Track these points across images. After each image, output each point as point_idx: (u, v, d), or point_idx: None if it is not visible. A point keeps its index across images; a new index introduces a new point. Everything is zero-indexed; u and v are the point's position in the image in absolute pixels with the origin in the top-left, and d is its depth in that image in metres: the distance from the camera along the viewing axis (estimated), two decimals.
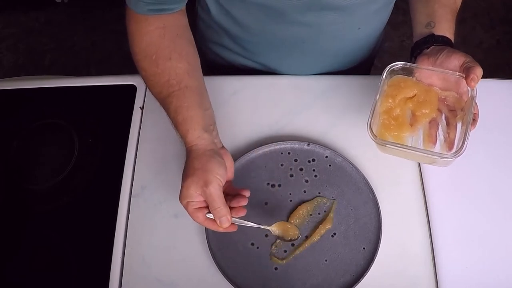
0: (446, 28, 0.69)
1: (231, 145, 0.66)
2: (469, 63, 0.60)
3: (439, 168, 0.69)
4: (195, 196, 0.59)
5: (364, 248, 0.67)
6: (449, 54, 0.63)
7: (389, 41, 1.90)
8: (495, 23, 2.00)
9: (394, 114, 0.63)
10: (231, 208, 0.60)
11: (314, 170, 0.73)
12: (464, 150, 0.58)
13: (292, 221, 0.68)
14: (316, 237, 0.67)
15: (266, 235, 0.68)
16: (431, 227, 0.68)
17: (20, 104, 0.84)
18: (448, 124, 0.64)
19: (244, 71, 0.88)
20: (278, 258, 0.66)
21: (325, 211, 0.70)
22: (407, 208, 0.71)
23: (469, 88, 0.61)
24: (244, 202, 0.61)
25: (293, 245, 0.68)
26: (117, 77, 0.85)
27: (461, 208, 0.70)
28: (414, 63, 0.66)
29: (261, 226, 0.63)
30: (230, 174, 0.65)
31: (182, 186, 0.59)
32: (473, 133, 0.62)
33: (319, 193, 0.71)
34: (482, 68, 0.59)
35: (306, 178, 0.73)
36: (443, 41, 0.67)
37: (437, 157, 0.60)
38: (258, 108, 0.80)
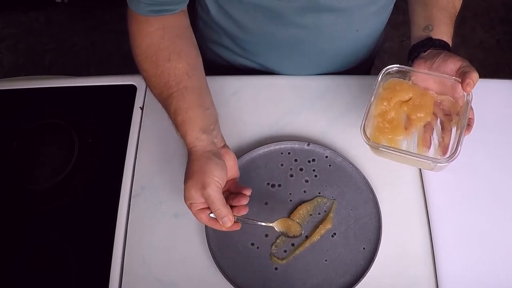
0: (444, 32, 0.68)
1: (231, 145, 0.66)
2: (465, 68, 0.60)
3: None
4: (197, 198, 0.59)
5: (364, 248, 0.67)
6: (445, 58, 0.62)
7: (389, 41, 1.90)
8: (495, 23, 2.00)
9: (388, 117, 0.63)
10: (232, 206, 0.60)
11: (314, 170, 0.73)
12: (457, 156, 0.57)
13: None
14: (316, 237, 0.67)
15: (266, 235, 0.68)
16: (431, 227, 0.68)
17: (20, 104, 0.84)
18: (443, 128, 0.64)
19: (244, 71, 0.88)
20: (278, 258, 0.66)
21: (325, 211, 0.70)
22: (407, 208, 0.71)
23: (465, 93, 0.61)
24: (245, 201, 0.61)
25: (293, 245, 0.68)
26: (117, 77, 0.85)
27: (461, 208, 0.70)
28: (411, 66, 0.66)
29: (264, 224, 0.63)
30: (234, 172, 0.65)
31: (184, 188, 0.60)
32: (473, 133, 0.62)
33: (319, 193, 0.71)
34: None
35: (306, 178, 0.73)
36: (440, 45, 0.67)
37: (430, 162, 0.59)
38: (258, 108, 0.80)
